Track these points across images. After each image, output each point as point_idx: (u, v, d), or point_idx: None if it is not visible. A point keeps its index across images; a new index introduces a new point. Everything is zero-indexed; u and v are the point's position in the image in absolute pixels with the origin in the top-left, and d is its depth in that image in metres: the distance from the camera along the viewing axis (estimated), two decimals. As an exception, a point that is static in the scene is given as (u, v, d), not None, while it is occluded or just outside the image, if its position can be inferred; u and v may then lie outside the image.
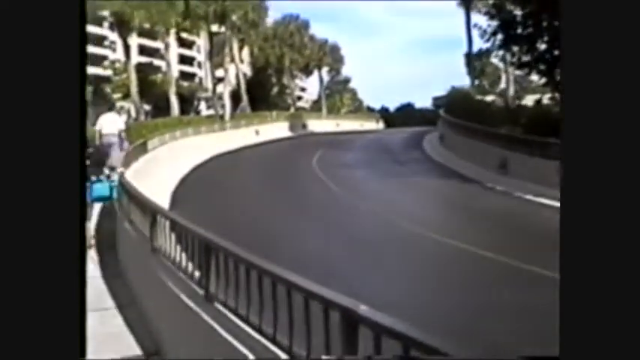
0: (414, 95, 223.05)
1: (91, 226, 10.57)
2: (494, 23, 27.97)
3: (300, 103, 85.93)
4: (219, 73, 56.68)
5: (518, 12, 27.23)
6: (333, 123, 67.73)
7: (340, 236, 14.89)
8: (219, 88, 55.47)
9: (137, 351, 6.58)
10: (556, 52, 23.97)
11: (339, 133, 56.16)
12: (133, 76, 49.72)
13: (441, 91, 78.16)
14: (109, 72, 64.35)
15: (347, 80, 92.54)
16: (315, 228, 16.04)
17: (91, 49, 64.57)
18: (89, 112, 54.02)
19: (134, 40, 55.83)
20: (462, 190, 22.50)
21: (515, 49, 28.00)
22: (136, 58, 58.10)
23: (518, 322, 8.23)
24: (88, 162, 10.04)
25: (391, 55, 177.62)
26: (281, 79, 76.28)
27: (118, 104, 25.92)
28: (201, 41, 68.96)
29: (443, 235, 13.88)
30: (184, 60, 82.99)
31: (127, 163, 16.54)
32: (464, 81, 60.12)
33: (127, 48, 50.23)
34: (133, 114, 47.82)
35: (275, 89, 76.12)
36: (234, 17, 53.43)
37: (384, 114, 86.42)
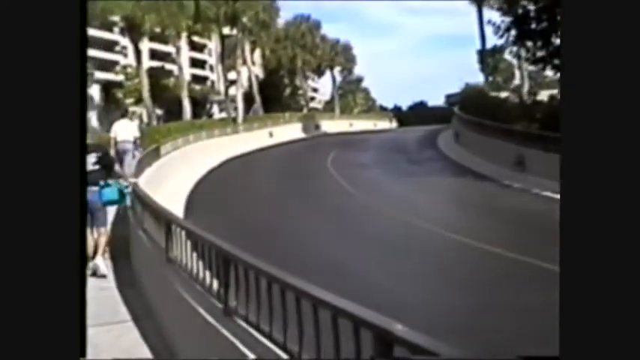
0: (426, 93, 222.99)
1: (107, 231, 10.40)
2: (508, 19, 27.72)
3: (312, 104, 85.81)
4: (232, 75, 56.58)
5: (531, 7, 26.93)
6: (347, 123, 67.58)
7: (356, 238, 14.65)
8: (232, 90, 55.37)
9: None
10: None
11: (353, 133, 55.93)
12: (145, 81, 49.68)
13: (454, 88, 77.82)
14: (120, 77, 64.46)
15: (359, 80, 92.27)
16: (329, 229, 15.77)
17: (103, 54, 64.92)
18: (102, 118, 54.38)
19: (145, 45, 55.78)
20: (481, 189, 22.15)
21: (530, 44, 27.70)
22: (147, 62, 58.05)
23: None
24: (97, 166, 9.96)
25: (402, 54, 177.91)
26: (293, 80, 76.27)
27: (130, 109, 25.92)
28: (213, 44, 69.18)
29: (474, 239, 13.41)
30: (196, 63, 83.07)
31: (140, 169, 16.42)
32: (476, 78, 59.66)
33: (138, 53, 50.26)
34: (145, 119, 47.76)
35: (287, 90, 76.13)
36: (244, 19, 53.26)
37: (396, 113, 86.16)
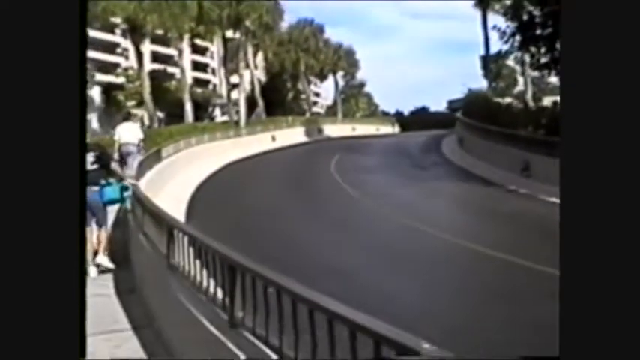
0: (428, 99, 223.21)
1: (107, 229, 10.55)
2: (513, 24, 27.54)
3: (315, 108, 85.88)
4: (234, 79, 56.46)
5: (536, 12, 26.72)
6: (349, 127, 67.64)
7: (363, 245, 14.39)
8: (234, 94, 55.27)
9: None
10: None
11: (356, 138, 55.75)
12: (147, 83, 49.49)
13: (456, 94, 77.82)
14: (122, 79, 64.37)
15: (362, 84, 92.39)
16: (334, 236, 15.48)
17: (104, 56, 64.85)
18: (103, 120, 54.32)
19: (147, 47, 55.63)
20: (486, 194, 21.86)
21: (534, 50, 27.51)
22: (149, 65, 57.87)
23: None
24: (96, 166, 10.19)
25: (405, 59, 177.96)
26: (296, 84, 76.35)
27: (132, 112, 25.86)
28: (215, 47, 69.05)
29: (488, 247, 13.00)
30: (198, 66, 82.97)
31: (141, 172, 16.29)
32: (479, 83, 59.49)
33: (139, 55, 50.10)
34: (147, 121, 47.56)
35: (290, 94, 76.17)
36: (248, 22, 53.09)
37: (398, 118, 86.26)
